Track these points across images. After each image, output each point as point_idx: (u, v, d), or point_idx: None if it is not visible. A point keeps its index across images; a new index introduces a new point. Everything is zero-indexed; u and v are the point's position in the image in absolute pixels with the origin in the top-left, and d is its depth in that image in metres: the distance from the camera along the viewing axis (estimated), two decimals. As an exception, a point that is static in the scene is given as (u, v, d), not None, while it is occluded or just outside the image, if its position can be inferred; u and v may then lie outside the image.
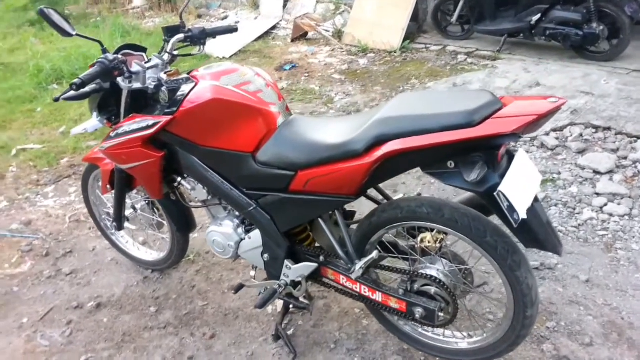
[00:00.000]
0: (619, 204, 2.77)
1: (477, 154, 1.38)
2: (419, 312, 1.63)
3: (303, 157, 1.61)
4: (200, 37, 2.01)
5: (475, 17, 5.39)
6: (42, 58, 6.18)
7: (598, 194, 2.88)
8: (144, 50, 1.98)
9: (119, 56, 1.75)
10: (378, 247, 1.76)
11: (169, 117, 1.72)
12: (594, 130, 3.49)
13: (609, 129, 3.47)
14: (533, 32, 4.88)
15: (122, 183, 2.17)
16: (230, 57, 6.26)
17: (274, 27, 7.28)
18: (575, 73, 4.40)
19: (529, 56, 5.03)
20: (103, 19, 8.65)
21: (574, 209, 2.79)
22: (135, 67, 1.78)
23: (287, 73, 5.51)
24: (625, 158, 3.16)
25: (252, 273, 2.06)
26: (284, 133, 1.70)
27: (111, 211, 2.35)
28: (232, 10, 8.65)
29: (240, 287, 1.99)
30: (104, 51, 1.75)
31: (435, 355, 1.88)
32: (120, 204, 2.27)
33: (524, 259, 1.50)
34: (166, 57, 1.89)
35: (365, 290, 1.73)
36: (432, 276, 1.62)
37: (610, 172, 3.05)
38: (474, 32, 5.59)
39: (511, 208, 1.34)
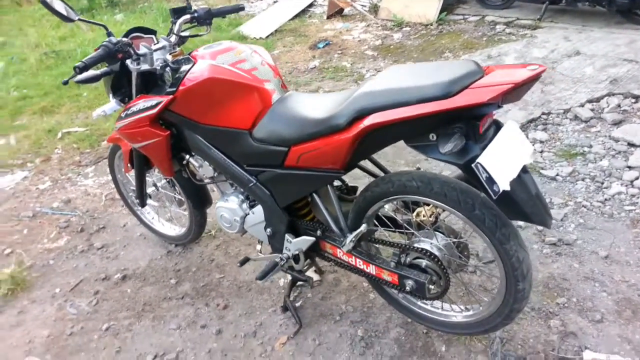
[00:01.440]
0: (651, 178, 2.63)
1: (457, 125, 1.35)
2: (409, 284, 1.64)
3: (294, 133, 1.64)
4: (206, 18, 2.05)
5: (515, -16, 5.16)
6: (89, 45, 6.49)
7: (630, 167, 2.74)
8: (153, 32, 2.05)
9: (124, 39, 1.83)
10: (375, 221, 1.78)
11: (170, 97, 1.79)
12: (633, 100, 3.29)
13: (650, 98, 3.27)
14: (576, -3, 4.62)
15: (141, 161, 2.28)
16: (267, 37, 6.31)
17: (310, 5, 7.26)
18: (619, 40, 4.14)
19: (572, 24, 4.77)
20: (150, 4, 8.92)
21: (602, 183, 2.67)
22: (142, 50, 1.86)
23: (320, 51, 5.50)
24: (666, 129, 2.98)
25: (258, 247, 2.13)
26: (277, 110, 1.73)
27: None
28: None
29: (246, 260, 2.06)
30: (109, 34, 1.83)
31: (432, 327, 1.89)
32: (140, 182, 2.38)
33: (514, 232, 1.48)
34: (173, 38, 1.95)
35: (359, 263, 1.76)
36: (423, 249, 1.62)
37: (647, 144, 2.89)
38: (515, 1, 5.35)
39: (490, 180, 1.32)
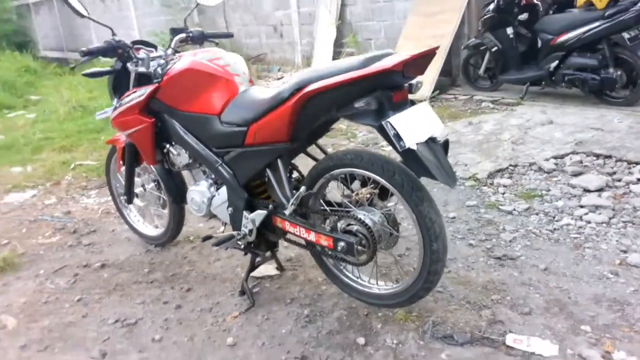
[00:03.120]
0: (599, 214, 2.82)
1: (375, 93, 1.65)
2: (341, 245, 1.85)
3: (252, 113, 1.95)
4: (199, 38, 2.48)
5: (500, 67, 5.65)
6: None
7: (582, 206, 2.95)
8: (154, 47, 2.47)
9: (125, 41, 2.24)
10: (322, 202, 2.02)
11: (156, 85, 2.15)
12: (594, 158, 3.56)
13: (609, 156, 3.53)
14: (553, 78, 5.06)
15: (131, 157, 2.59)
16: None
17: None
18: (591, 114, 4.50)
19: (551, 103, 5.17)
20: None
21: (554, 217, 2.87)
22: (142, 55, 2.27)
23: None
24: (620, 180, 3.21)
25: (222, 228, 2.37)
26: (241, 97, 2.07)
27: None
28: (289, 72, 9.48)
29: (208, 237, 2.30)
30: (113, 34, 2.24)
31: (368, 301, 2.06)
32: (130, 177, 2.68)
33: (427, 196, 1.72)
34: (170, 51, 2.36)
35: (302, 232, 1.97)
36: (355, 216, 1.85)
37: (600, 190, 3.10)
38: (502, 84, 5.83)
39: (398, 136, 1.60)
